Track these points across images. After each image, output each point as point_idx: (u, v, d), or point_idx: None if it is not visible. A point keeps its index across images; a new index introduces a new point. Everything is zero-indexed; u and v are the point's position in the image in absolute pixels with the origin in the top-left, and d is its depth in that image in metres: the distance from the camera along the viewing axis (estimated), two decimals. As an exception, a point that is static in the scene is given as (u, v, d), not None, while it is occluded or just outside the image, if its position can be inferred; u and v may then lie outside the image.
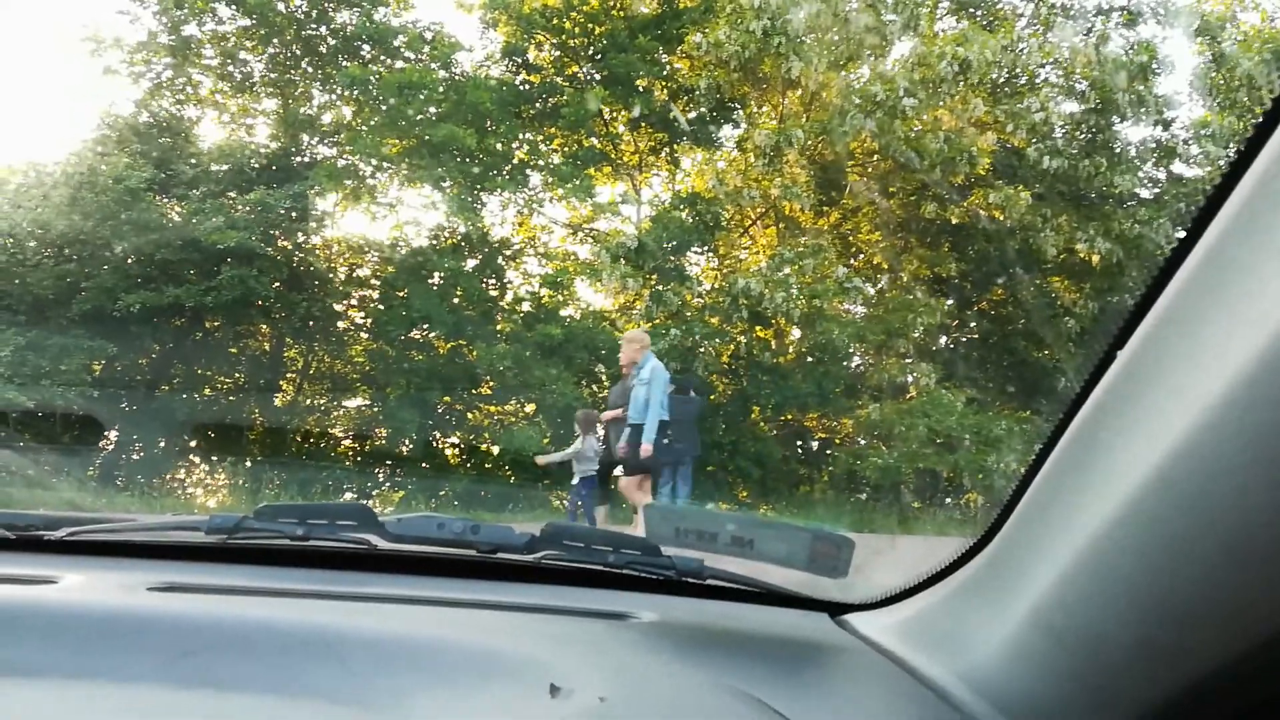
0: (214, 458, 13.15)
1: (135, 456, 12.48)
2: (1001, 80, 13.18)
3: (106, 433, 12.49)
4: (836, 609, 1.18)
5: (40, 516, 1.25)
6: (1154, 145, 13.32)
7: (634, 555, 1.20)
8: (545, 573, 1.22)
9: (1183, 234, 0.60)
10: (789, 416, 13.19)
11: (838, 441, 13.69)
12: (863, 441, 12.96)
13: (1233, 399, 0.53)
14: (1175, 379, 0.59)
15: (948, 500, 12.95)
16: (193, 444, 12.88)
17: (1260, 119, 0.53)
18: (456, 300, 12.81)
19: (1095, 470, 0.68)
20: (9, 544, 1.20)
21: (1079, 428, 0.72)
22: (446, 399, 12.60)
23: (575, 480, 7.89)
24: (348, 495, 12.14)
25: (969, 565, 0.93)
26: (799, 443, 14.13)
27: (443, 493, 11.93)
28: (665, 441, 7.37)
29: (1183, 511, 0.58)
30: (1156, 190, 13.28)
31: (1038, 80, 13.15)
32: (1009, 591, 0.81)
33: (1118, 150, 13.03)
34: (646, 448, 7.16)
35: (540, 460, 8.90)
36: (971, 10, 13.81)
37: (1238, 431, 0.53)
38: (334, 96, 14.03)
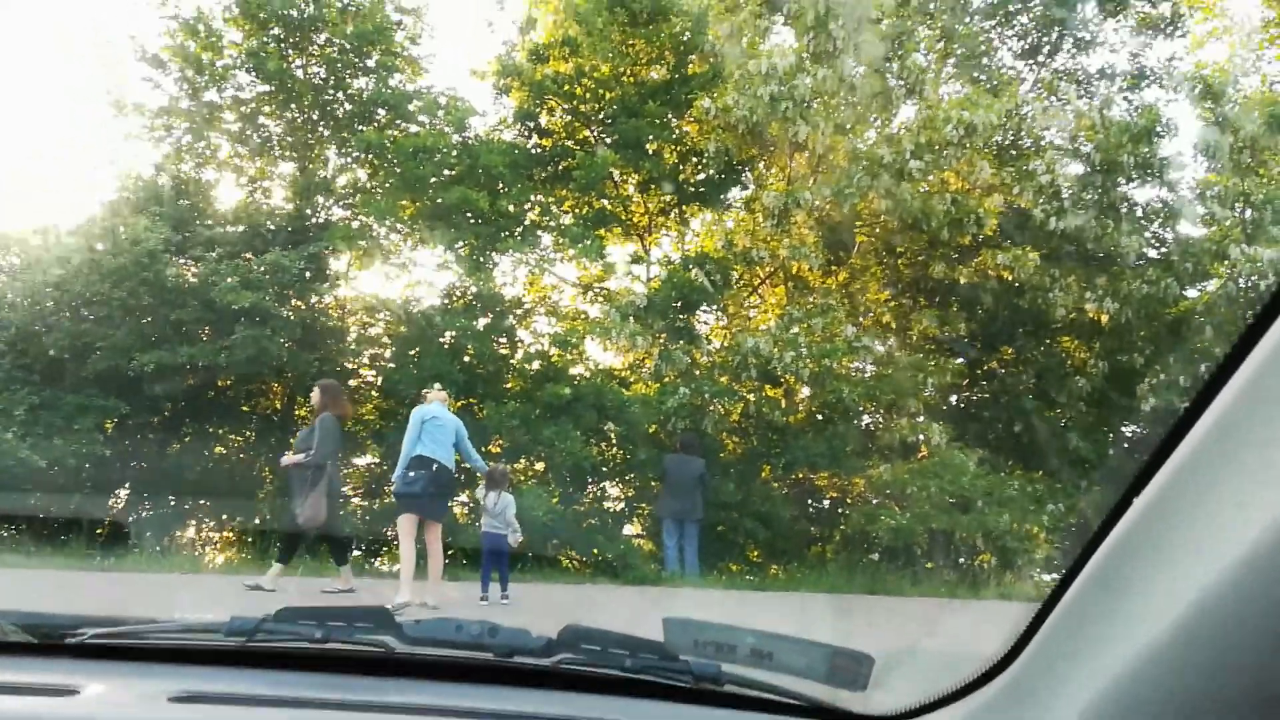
0: (225, 516, 13.12)
1: (146, 514, 12.47)
2: (1007, 143, 13.36)
3: (118, 491, 12.50)
4: None
5: (62, 617, 1.26)
6: (1160, 206, 13.43)
7: (651, 660, 1.19)
8: (562, 678, 1.22)
9: (1196, 393, 0.61)
10: (799, 476, 13.11)
11: (849, 501, 13.58)
12: (874, 501, 12.86)
13: (1255, 564, 0.54)
14: (1194, 534, 0.60)
15: (961, 561, 12.79)
16: (204, 503, 12.87)
17: (1270, 297, 0.54)
18: (467, 359, 12.87)
19: (1118, 608, 0.69)
20: (31, 648, 1.21)
21: (1101, 563, 0.73)
22: (456, 457, 12.54)
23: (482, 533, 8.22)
24: (356, 554, 12.06)
25: (989, 686, 0.93)
26: (809, 502, 14.02)
27: (451, 552, 11.82)
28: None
29: (1206, 664, 0.59)
30: (1163, 250, 13.35)
31: (1043, 143, 13.32)
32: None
33: (1124, 211, 13.13)
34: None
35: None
36: (976, 75, 14.06)
37: (1262, 595, 0.54)
38: (349, 160, 14.29)
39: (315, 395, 8.34)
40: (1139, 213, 13.37)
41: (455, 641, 1.21)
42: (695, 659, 1.16)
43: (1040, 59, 14.58)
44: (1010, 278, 12.73)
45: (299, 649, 1.21)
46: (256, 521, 12.75)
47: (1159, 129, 12.64)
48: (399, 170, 12.92)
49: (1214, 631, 0.58)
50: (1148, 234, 13.25)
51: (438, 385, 8.68)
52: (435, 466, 7.53)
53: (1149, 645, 0.64)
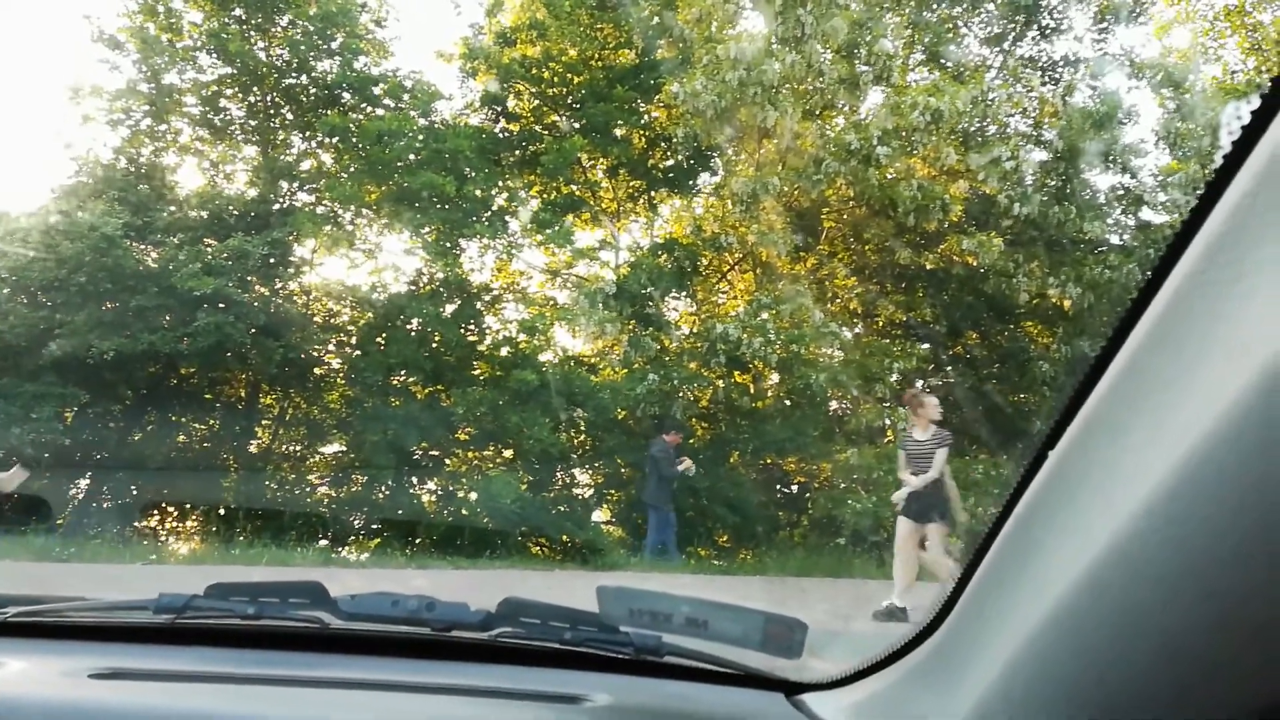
0: (188, 505, 12.96)
1: (107, 504, 12.28)
2: (972, 129, 13.44)
3: (78, 481, 12.29)
4: (792, 688, 1.17)
5: None
6: (1122, 192, 13.59)
7: (591, 633, 1.18)
8: (501, 651, 1.21)
9: (1105, 341, 0.60)
10: (768, 461, 13.18)
11: (816, 486, 13.66)
12: (841, 485, 12.94)
13: (1155, 510, 0.53)
14: (1101, 485, 0.60)
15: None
16: (166, 491, 12.69)
17: (1174, 236, 0.54)
18: (434, 346, 12.78)
19: (1031, 568, 0.69)
20: None
21: (1016, 524, 0.73)
22: (423, 445, 12.50)
23: None
24: (323, 543, 11.97)
25: (919, 650, 0.93)
26: (778, 487, 14.10)
27: (419, 539, 11.78)
28: None
29: (1115, 614, 0.58)
30: (1126, 236, 13.52)
31: (1007, 129, 13.42)
32: (955, 682, 0.81)
33: (1087, 197, 13.27)
34: None
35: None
36: (942, 62, 14.11)
37: (1162, 541, 0.54)
38: (313, 144, 14.09)
39: None
40: (1102, 199, 13.52)
41: (392, 616, 1.19)
42: (635, 629, 1.15)
43: (1005, 46, 14.68)
44: (975, 263, 12.83)
45: (230, 626, 1.18)
46: (220, 511, 12.60)
47: (1120, 116, 12.78)
48: (364, 154, 12.76)
49: (1121, 583, 0.57)
50: (1110, 220, 13.40)
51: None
52: None
53: (1059, 601, 0.63)
